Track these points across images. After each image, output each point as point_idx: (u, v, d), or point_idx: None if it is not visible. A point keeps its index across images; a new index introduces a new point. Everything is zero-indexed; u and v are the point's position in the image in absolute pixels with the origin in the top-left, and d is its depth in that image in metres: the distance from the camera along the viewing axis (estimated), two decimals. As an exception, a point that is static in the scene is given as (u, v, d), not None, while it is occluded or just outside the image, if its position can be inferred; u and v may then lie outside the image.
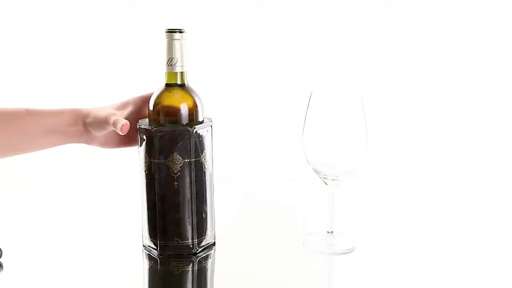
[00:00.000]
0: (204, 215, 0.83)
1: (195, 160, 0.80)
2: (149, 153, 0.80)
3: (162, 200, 0.80)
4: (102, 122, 0.80)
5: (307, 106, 0.84)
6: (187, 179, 0.80)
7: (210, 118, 0.84)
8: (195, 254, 0.82)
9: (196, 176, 0.80)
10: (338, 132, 0.82)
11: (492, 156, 1.31)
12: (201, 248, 0.84)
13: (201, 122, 0.81)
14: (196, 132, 0.79)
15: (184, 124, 0.79)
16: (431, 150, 1.34)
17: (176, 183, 0.79)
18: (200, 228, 0.83)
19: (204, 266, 0.82)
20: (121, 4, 1.48)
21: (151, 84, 0.86)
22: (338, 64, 1.44)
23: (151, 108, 0.80)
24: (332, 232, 0.88)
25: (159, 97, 0.80)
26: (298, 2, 1.45)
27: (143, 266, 0.83)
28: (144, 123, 0.81)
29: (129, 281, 0.80)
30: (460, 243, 0.92)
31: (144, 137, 0.80)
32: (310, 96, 0.84)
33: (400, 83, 1.42)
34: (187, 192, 0.80)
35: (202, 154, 0.81)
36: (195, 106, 0.81)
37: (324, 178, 0.85)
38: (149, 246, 0.83)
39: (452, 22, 1.40)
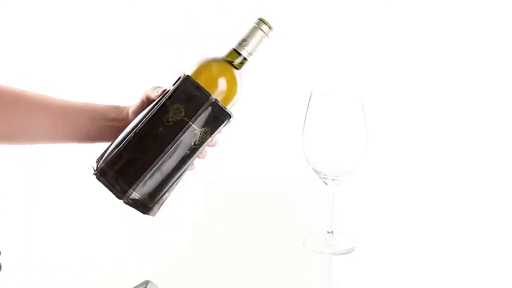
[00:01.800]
0: (160, 176, 0.76)
1: (191, 126, 0.76)
2: (167, 93, 0.77)
3: (139, 134, 0.76)
4: (143, 98, 0.81)
5: (307, 106, 0.84)
6: (172, 135, 0.75)
7: (233, 116, 0.79)
8: (123, 200, 0.75)
9: (181, 139, 0.75)
10: (338, 132, 0.82)
11: (492, 156, 1.31)
12: (130, 201, 0.75)
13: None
14: (213, 104, 0.76)
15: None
16: (431, 150, 1.34)
17: (161, 129, 0.76)
18: (147, 184, 0.75)
19: (204, 265, 0.81)
20: (121, 4, 1.48)
21: (152, 84, 0.86)
22: (338, 64, 1.44)
23: (198, 63, 0.79)
24: (332, 232, 0.88)
25: (213, 60, 0.79)
26: (298, 2, 1.45)
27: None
28: (183, 69, 0.79)
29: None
30: (460, 243, 0.92)
31: (175, 79, 0.78)
32: (310, 96, 0.84)
33: (400, 83, 1.42)
34: (164, 145, 0.75)
35: (202, 128, 0.77)
36: (233, 91, 0.79)
37: (324, 178, 0.85)
38: (93, 164, 0.77)
39: (453, 22, 1.40)
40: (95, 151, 0.76)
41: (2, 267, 0.78)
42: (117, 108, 0.85)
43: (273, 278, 0.79)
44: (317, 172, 0.86)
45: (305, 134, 0.84)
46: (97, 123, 0.84)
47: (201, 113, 0.76)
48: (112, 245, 0.90)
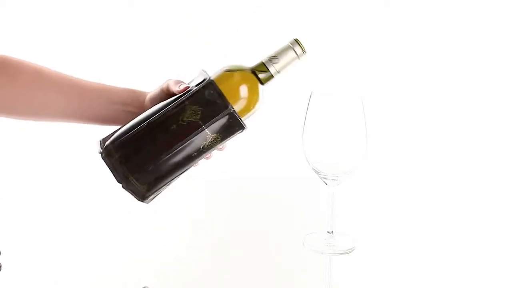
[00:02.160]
0: (163, 170, 0.76)
1: (204, 131, 0.76)
2: (188, 91, 0.77)
3: (152, 125, 0.76)
4: (163, 87, 0.80)
5: (307, 106, 0.84)
6: (183, 134, 0.76)
7: (247, 127, 0.78)
8: (121, 184, 0.76)
9: (191, 140, 0.76)
10: (338, 132, 0.82)
11: (492, 157, 1.31)
12: (129, 187, 0.75)
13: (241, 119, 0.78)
14: (231, 114, 0.76)
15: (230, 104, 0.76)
16: (431, 150, 1.34)
17: (175, 126, 0.76)
18: (149, 175, 0.76)
19: (204, 265, 0.82)
20: (121, 4, 1.48)
21: (153, 84, 0.86)
22: (338, 64, 1.44)
23: (225, 68, 0.78)
24: (332, 232, 0.88)
25: (240, 69, 0.78)
26: (298, 2, 1.45)
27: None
28: (208, 71, 0.79)
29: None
30: (460, 243, 0.92)
31: (199, 79, 0.78)
32: (310, 96, 0.84)
33: (400, 83, 1.42)
34: (173, 142, 0.75)
35: (214, 134, 0.77)
36: (252, 104, 0.78)
37: (324, 178, 0.85)
38: (100, 142, 0.77)
39: (453, 22, 1.40)
40: (95, 150, 0.76)
41: (2, 267, 0.78)
42: (134, 93, 0.84)
43: (273, 278, 0.79)
44: (317, 172, 0.86)
45: (305, 134, 0.84)
46: (113, 107, 0.84)
47: (216, 120, 0.76)
48: (112, 245, 0.91)
